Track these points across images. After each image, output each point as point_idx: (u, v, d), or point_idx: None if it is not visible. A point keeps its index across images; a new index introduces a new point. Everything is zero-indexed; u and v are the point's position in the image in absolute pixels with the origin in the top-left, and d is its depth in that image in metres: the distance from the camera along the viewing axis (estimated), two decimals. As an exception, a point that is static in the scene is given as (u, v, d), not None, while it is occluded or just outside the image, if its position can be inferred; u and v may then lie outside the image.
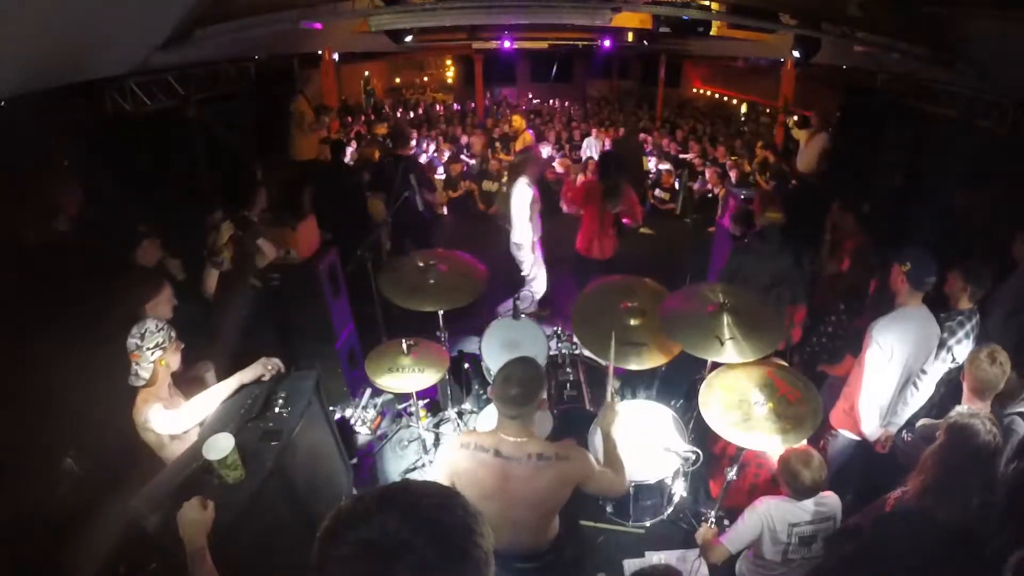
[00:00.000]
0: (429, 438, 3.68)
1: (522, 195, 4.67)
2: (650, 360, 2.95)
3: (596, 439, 2.84)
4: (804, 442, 2.45)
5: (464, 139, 9.90)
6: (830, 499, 2.39)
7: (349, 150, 8.52)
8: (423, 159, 9.36)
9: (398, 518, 0.80)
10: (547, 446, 1.98)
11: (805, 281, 3.76)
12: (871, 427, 2.79)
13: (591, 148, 9.58)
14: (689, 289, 3.13)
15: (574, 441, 2.23)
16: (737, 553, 2.51)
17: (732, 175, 8.28)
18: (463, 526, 0.83)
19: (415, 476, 3.66)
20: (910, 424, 2.80)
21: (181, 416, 2.34)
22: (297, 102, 5.52)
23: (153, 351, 2.32)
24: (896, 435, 2.83)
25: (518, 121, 7.83)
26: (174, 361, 2.44)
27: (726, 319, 2.67)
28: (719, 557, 2.45)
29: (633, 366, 2.97)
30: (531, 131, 8.18)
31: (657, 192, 8.49)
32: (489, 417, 3.40)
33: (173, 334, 2.41)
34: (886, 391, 2.76)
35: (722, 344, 2.62)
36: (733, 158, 9.03)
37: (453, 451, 2.00)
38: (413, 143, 5.83)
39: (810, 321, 4.00)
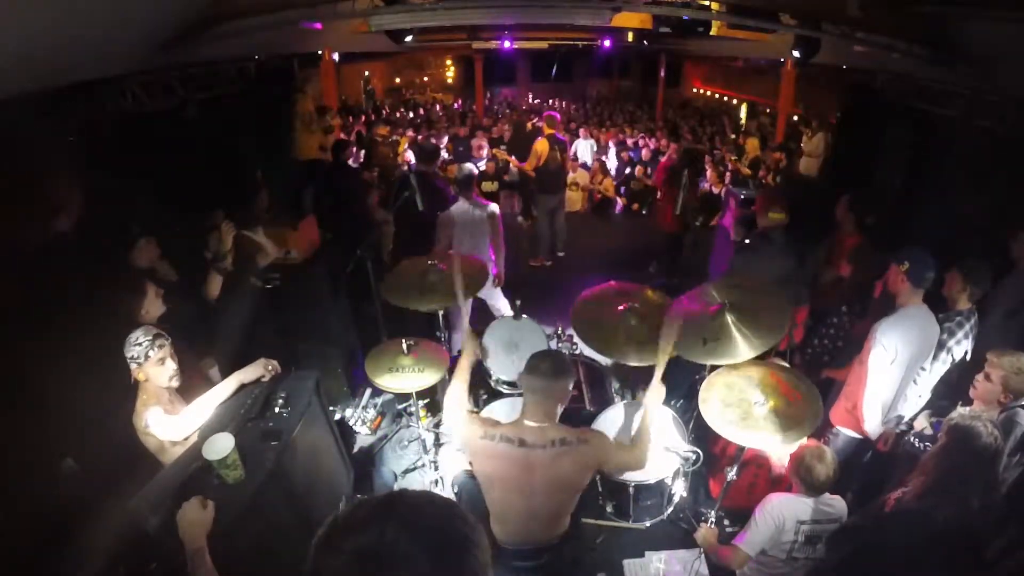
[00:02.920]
0: (429, 438, 3.68)
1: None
2: (651, 356, 2.92)
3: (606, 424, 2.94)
4: (806, 440, 2.45)
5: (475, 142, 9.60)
6: (837, 501, 2.40)
7: (356, 151, 8.53)
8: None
9: (395, 527, 0.79)
10: (568, 431, 2.03)
11: (807, 281, 3.76)
12: (873, 426, 2.79)
13: (585, 151, 9.50)
14: (692, 292, 3.08)
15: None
16: None
17: (727, 175, 8.30)
18: (461, 537, 0.82)
19: (415, 476, 3.67)
20: (916, 430, 2.77)
21: (182, 422, 2.34)
22: (301, 101, 5.52)
23: (145, 354, 2.33)
24: (904, 439, 2.81)
25: (543, 145, 6.27)
26: (171, 365, 2.42)
27: (729, 318, 2.65)
28: (741, 562, 2.46)
29: (634, 362, 2.96)
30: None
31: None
32: (491, 414, 3.39)
33: (168, 340, 2.41)
34: (889, 391, 2.76)
35: (704, 344, 2.57)
36: (732, 158, 9.06)
37: (475, 439, 2.03)
38: (440, 162, 5.44)
39: (811, 322, 4.00)
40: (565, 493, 2.07)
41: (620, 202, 9.12)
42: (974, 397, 2.49)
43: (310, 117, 5.56)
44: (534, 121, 10.07)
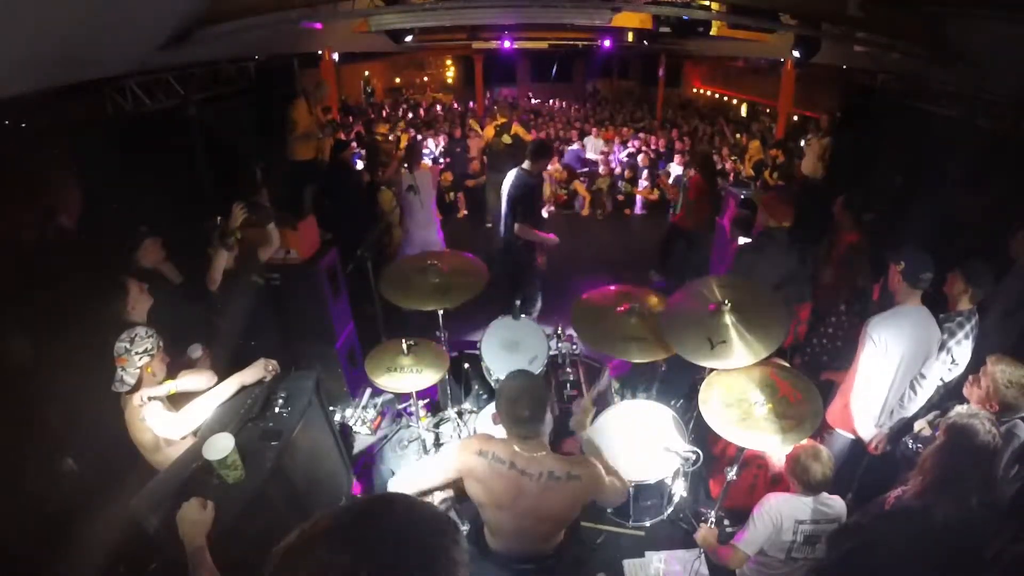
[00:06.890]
0: (429, 438, 3.68)
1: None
2: (651, 353, 2.93)
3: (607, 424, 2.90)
4: (805, 441, 2.45)
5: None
6: (836, 501, 2.40)
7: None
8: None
9: (356, 547, 0.67)
10: (560, 463, 1.93)
11: (809, 279, 3.77)
12: (864, 426, 2.78)
13: (590, 150, 9.49)
14: (690, 288, 3.08)
15: (579, 446, 2.23)
16: None
17: (731, 176, 8.31)
18: (435, 555, 0.70)
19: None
20: (913, 432, 2.76)
21: (181, 419, 2.34)
22: (296, 107, 5.48)
23: (141, 356, 2.32)
24: (902, 444, 2.80)
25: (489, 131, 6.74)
26: (160, 370, 2.42)
27: (727, 318, 2.65)
28: (739, 562, 2.46)
29: (635, 359, 2.95)
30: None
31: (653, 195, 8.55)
32: (489, 415, 3.39)
33: (161, 343, 2.41)
34: (880, 389, 2.74)
35: (712, 347, 2.56)
36: (732, 158, 9.05)
37: (470, 456, 1.95)
38: (426, 162, 5.76)
39: (812, 319, 4.00)
40: (552, 522, 2.02)
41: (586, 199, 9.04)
42: (967, 396, 2.49)
43: (294, 125, 5.51)
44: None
